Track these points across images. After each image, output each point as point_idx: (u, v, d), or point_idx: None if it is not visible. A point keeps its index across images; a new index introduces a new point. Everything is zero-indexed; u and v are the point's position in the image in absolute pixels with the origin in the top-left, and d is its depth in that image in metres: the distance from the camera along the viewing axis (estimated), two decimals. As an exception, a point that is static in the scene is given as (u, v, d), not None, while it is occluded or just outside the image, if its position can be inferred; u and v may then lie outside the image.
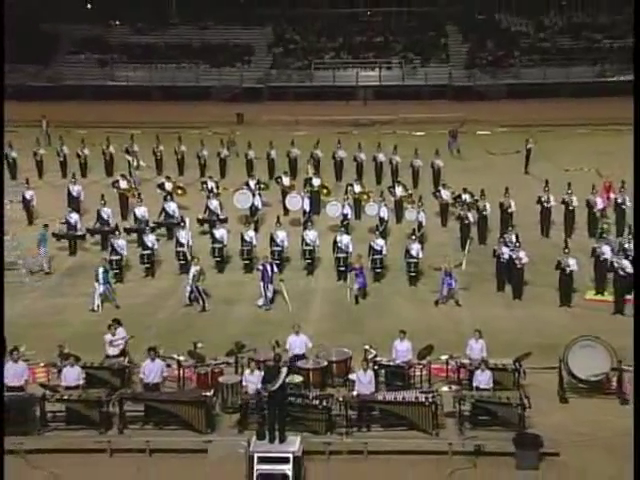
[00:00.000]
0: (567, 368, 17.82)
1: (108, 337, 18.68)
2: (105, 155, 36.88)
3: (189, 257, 24.54)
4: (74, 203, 29.88)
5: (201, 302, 22.90)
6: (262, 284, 23.03)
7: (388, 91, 61.95)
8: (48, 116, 43.18)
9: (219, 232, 26.02)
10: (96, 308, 22.79)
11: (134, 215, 28.63)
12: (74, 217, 27.79)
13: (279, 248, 25.02)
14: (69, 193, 30.69)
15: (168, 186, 30.59)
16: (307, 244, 25.46)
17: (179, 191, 30.53)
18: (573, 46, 66.47)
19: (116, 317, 19.55)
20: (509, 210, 27.84)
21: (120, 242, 25.24)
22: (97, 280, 22.96)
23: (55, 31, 68.72)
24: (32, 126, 42.62)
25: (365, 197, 30.07)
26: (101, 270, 23.07)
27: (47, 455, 15.84)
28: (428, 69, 64.71)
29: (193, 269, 23.07)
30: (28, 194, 30.45)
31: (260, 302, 23.04)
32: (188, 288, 23.14)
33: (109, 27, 70.94)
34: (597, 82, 61.25)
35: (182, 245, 25.43)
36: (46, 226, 26.65)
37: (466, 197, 28.44)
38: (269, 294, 23.04)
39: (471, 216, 27.60)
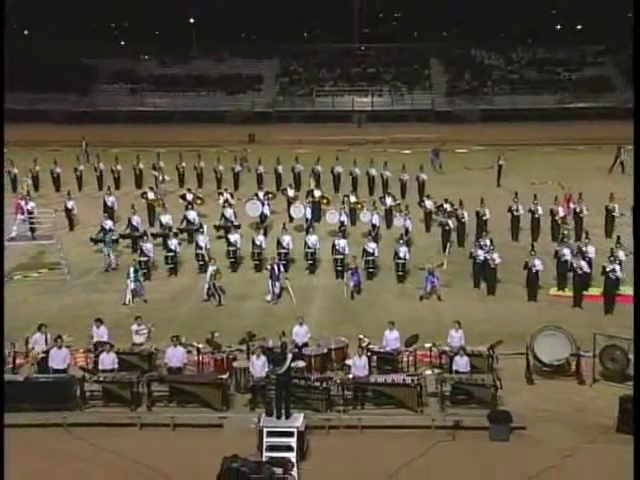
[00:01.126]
0: (533, 354, 17.95)
1: (134, 327, 18.76)
2: (135, 170, 37.02)
3: (207, 259, 24.55)
4: (109, 212, 29.85)
5: (217, 298, 22.95)
6: (270, 282, 23.06)
7: (379, 115, 62.36)
8: (87, 137, 43.20)
9: (233, 237, 26.19)
10: (127, 302, 22.84)
11: (160, 222, 28.64)
12: (109, 224, 27.73)
13: (285, 250, 24.98)
14: (105, 203, 30.66)
15: (189, 197, 30.72)
16: (309, 247, 25.55)
17: (198, 201, 30.61)
18: (537, 77, 67.39)
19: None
20: (484, 218, 27.91)
21: (148, 245, 25.40)
22: (129, 278, 23.04)
23: (93, 64, 69.39)
24: (73, 146, 42.74)
25: (359, 206, 30.14)
26: (132, 269, 23.16)
27: (86, 428, 15.97)
28: (414, 96, 65.16)
29: (210, 269, 23.15)
30: (70, 204, 30.61)
31: (268, 297, 23.07)
32: (206, 285, 23.20)
33: (139, 61, 71.45)
34: (558, 108, 61.87)
35: (201, 248, 25.49)
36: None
37: (447, 206, 28.52)
38: (276, 290, 23.06)
39: (451, 223, 27.59)
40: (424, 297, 23.06)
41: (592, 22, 76.23)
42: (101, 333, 18.44)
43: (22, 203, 28.00)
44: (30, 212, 27.53)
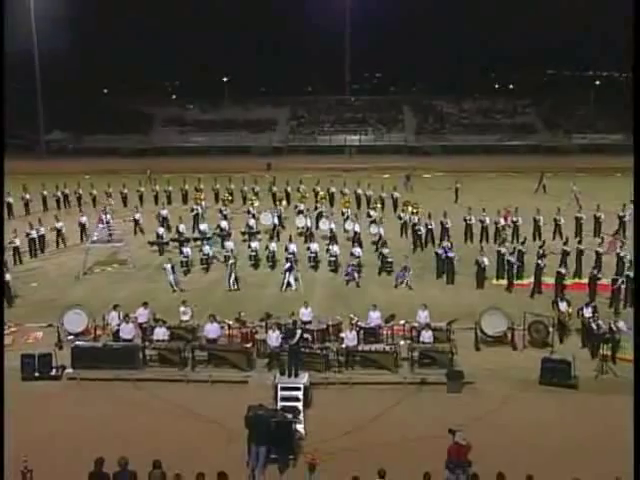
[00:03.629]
0: (480, 328, 17.94)
1: (182, 309, 18.73)
2: (182, 191, 36.93)
3: (232, 258, 24.01)
4: (163, 222, 29.78)
5: (236, 286, 22.90)
6: (287, 274, 22.90)
7: (365, 149, 62.57)
8: (147, 167, 43.30)
9: (254, 243, 26.04)
10: (176, 288, 22.66)
11: (198, 229, 28.70)
12: (161, 230, 27.85)
13: (291, 255, 24.07)
14: (159, 215, 30.61)
15: (224, 210, 30.92)
16: (312, 252, 25.34)
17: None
18: (482, 122, 67.79)
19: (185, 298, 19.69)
20: (446, 226, 27.80)
21: (188, 249, 25.38)
22: (168, 272, 22.88)
23: (152, 112, 69.75)
24: (136, 173, 42.56)
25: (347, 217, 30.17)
26: (169, 266, 22.91)
27: (146, 382, 16.02)
28: (391, 135, 65.49)
29: (230, 262, 23.22)
30: (137, 215, 30.56)
31: (293, 286, 22.93)
32: (230, 277, 23.02)
33: (185, 109, 71.78)
34: (497, 145, 62.06)
35: (227, 250, 25.33)
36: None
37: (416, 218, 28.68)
38: (291, 281, 22.92)
39: (423, 229, 27.72)
40: (397, 286, 23.00)
41: (521, 83, 77.42)
42: (144, 313, 18.32)
43: (102, 215, 28.04)
44: (107, 222, 27.57)
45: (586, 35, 66.61)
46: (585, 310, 18.09)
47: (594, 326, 17.18)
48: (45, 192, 35.70)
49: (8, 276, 21.61)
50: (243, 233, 28.39)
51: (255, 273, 24.94)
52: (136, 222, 30.30)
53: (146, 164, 45.85)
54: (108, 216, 28.90)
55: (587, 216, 29.01)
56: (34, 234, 27.29)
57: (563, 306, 18.55)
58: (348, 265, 23.71)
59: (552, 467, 11.51)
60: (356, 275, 23.46)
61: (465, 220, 28.62)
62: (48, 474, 11.12)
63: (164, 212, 30.88)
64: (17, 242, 26.02)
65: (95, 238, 26.06)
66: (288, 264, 23.06)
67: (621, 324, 16.87)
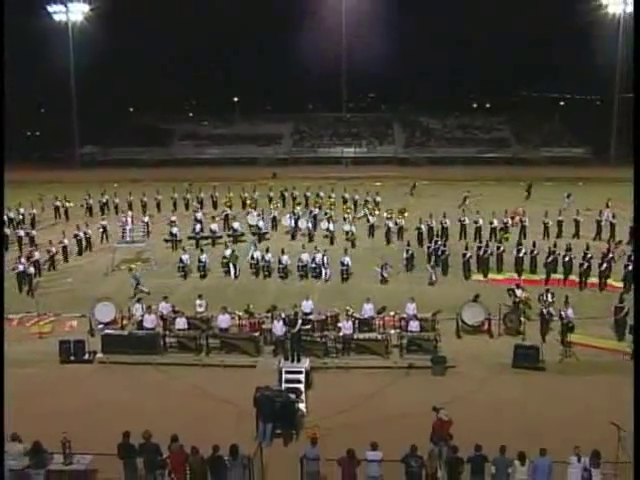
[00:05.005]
0: (460, 318, 17.90)
1: (197, 302, 18.65)
2: (197, 198, 35.92)
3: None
4: (198, 223, 29.13)
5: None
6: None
7: (359, 160, 62.31)
8: (164, 177, 43.15)
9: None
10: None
11: (210, 229, 28.59)
12: (197, 227, 28.32)
13: (303, 263, 23.51)
14: (195, 217, 30.19)
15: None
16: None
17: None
18: (463, 136, 67.45)
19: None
20: (444, 226, 27.67)
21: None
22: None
23: (171, 128, 69.61)
24: (159, 181, 42.26)
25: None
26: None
27: (167, 366, 15.97)
28: (383, 147, 65.37)
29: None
30: (173, 218, 30.28)
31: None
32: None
33: (201, 125, 71.57)
34: (476, 157, 62.04)
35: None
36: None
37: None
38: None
39: (424, 227, 27.35)
40: (382, 281, 22.60)
41: (496, 103, 77.74)
42: (166, 306, 18.23)
43: (129, 219, 28.00)
44: (132, 224, 27.45)
45: (552, 63, 68.08)
46: (543, 297, 18.30)
47: (546, 312, 17.57)
48: (90, 199, 35.09)
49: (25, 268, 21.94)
50: (253, 233, 28.60)
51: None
52: (172, 223, 29.54)
53: (164, 174, 45.65)
54: (133, 219, 28.93)
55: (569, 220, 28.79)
56: (81, 235, 27.36)
57: (519, 292, 18.88)
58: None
59: (523, 439, 11.52)
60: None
61: (460, 220, 28.17)
62: (83, 444, 11.13)
63: (199, 215, 30.50)
64: (66, 242, 26.04)
65: (123, 239, 26.01)
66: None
67: (569, 311, 17.11)
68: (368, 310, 17.84)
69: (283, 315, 16.66)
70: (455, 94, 77.20)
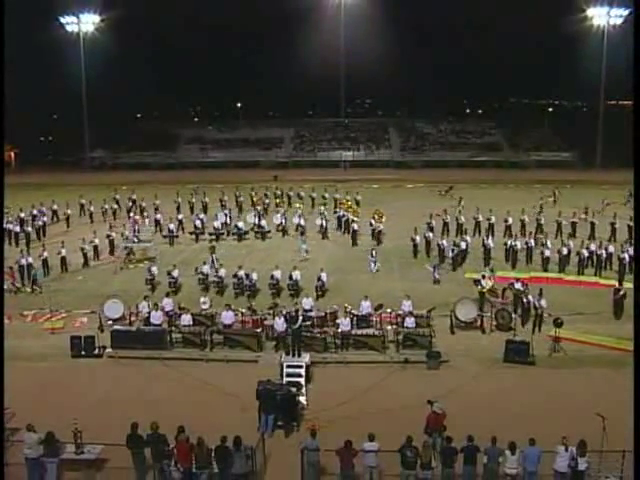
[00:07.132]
0: (454, 314, 17.87)
1: (202, 299, 18.64)
2: (202, 202, 35.29)
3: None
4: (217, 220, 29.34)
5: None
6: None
7: (357, 163, 61.87)
8: (171, 179, 42.85)
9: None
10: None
11: (214, 226, 28.73)
12: (217, 224, 28.77)
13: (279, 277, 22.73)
14: (216, 216, 30.15)
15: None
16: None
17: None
18: (456, 141, 67.04)
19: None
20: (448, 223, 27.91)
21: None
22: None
23: (177, 132, 68.99)
24: (166, 183, 42.13)
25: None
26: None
27: (173, 361, 15.98)
28: (379, 152, 64.95)
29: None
30: (180, 216, 30.27)
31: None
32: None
33: (206, 130, 71.27)
34: (469, 161, 61.73)
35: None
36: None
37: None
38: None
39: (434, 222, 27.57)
40: (434, 282, 22.14)
41: (488, 109, 77.78)
42: (168, 302, 18.18)
43: (137, 220, 27.92)
44: (138, 225, 27.34)
45: (541, 71, 68.41)
46: (515, 285, 18.64)
47: (523, 299, 17.99)
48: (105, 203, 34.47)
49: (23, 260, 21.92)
50: (254, 231, 28.86)
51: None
52: (179, 222, 29.60)
53: (171, 177, 45.43)
54: (141, 221, 28.86)
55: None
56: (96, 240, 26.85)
57: (484, 282, 19.23)
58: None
59: (513, 430, 11.49)
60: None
61: (457, 219, 28.25)
62: (94, 434, 11.12)
63: (201, 216, 30.35)
64: (96, 241, 25.62)
65: (131, 239, 25.93)
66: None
67: (543, 302, 17.33)
68: (366, 307, 17.77)
69: (284, 312, 16.59)
70: (449, 101, 77.43)
